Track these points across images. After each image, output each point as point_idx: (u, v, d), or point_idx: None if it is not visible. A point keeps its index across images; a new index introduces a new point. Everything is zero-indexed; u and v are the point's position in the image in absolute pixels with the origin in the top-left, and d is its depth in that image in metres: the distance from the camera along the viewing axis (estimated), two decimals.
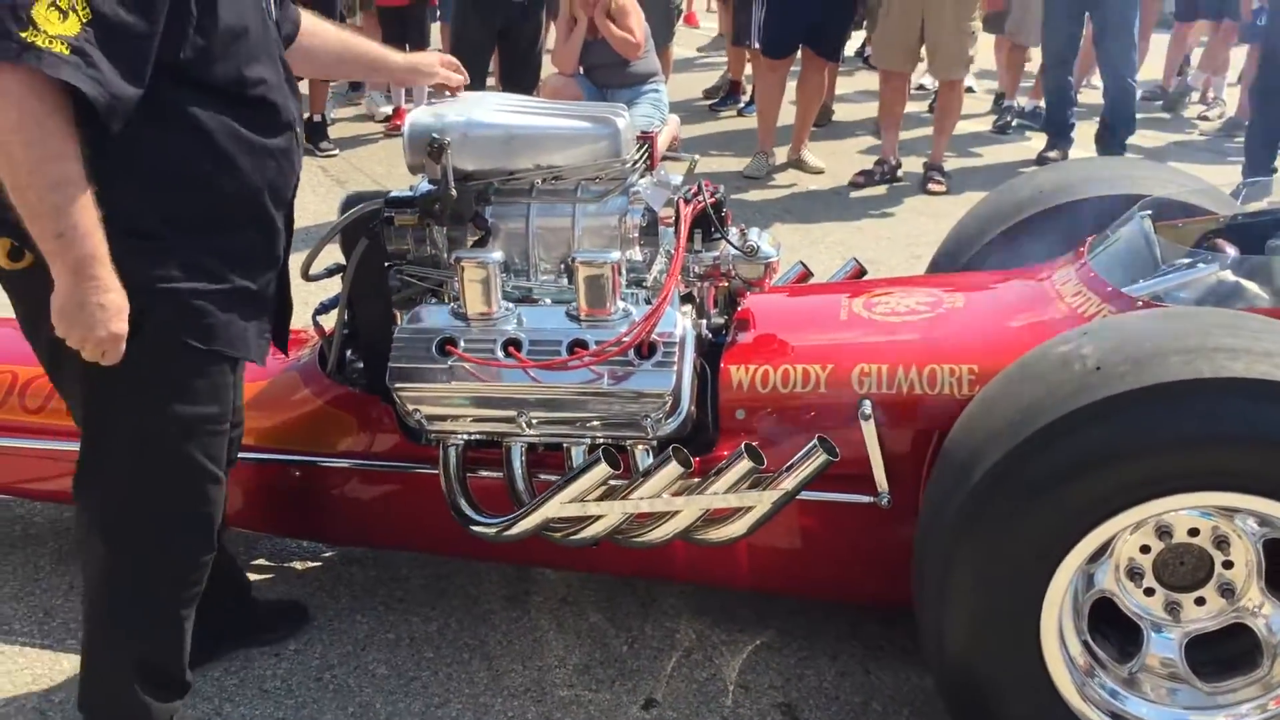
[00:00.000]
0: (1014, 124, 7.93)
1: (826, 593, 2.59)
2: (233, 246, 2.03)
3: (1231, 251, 2.47)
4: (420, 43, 7.57)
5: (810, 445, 2.21)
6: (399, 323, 2.45)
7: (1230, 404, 1.85)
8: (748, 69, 8.22)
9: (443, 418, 2.37)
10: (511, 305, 2.37)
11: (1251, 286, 2.37)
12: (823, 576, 2.50)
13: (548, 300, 2.43)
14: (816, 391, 2.38)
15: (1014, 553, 2.00)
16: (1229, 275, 2.38)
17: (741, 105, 8.31)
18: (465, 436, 2.41)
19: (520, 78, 6.02)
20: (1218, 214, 2.75)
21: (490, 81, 6.46)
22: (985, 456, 1.99)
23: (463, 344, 2.31)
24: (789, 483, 2.22)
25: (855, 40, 8.53)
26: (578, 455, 2.37)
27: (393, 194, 2.49)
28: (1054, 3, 6.75)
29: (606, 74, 6.21)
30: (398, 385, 2.33)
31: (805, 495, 2.26)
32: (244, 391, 2.42)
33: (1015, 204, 3.03)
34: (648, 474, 2.26)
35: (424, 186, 2.45)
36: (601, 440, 2.36)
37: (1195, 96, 8.95)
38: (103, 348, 1.86)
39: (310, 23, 2.44)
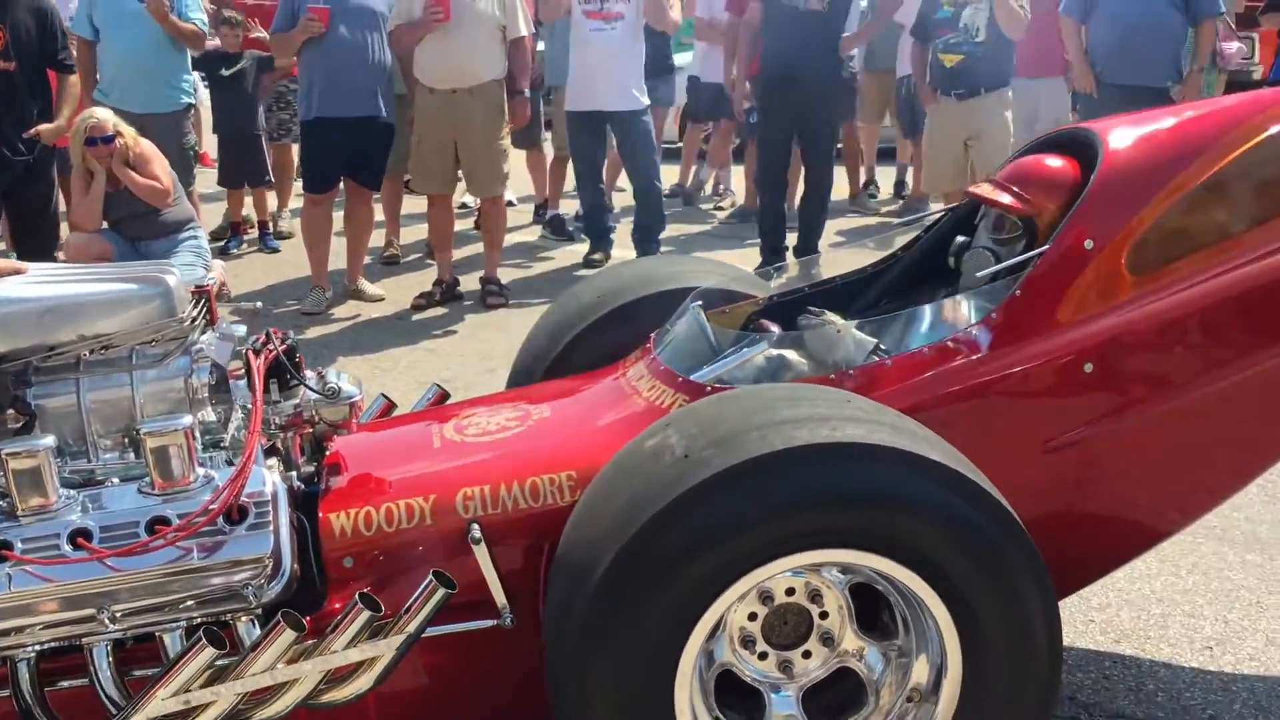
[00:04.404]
0: (552, 233, 8.34)
1: None
2: None
3: (775, 329, 2.73)
4: None
5: (427, 581, 2.16)
6: None
7: (801, 469, 2.03)
8: (247, 206, 8.29)
9: (5, 632, 2.09)
10: (73, 492, 2.16)
11: (795, 358, 2.63)
12: (463, 710, 2.43)
13: (115, 480, 2.23)
14: (423, 524, 2.34)
15: (637, 645, 2.05)
16: (774, 351, 2.63)
17: (242, 243, 8.21)
18: (36, 648, 2.13)
19: (36, 240, 5.54)
20: (757, 296, 3.04)
21: (1, 247, 5.88)
22: (596, 559, 2.04)
23: (19, 545, 2.06)
24: (411, 625, 2.15)
25: None
26: (173, 642, 2.17)
27: None
28: (575, 117, 7.24)
29: (137, 225, 5.81)
30: None
31: (430, 631, 2.21)
32: None
33: (579, 310, 3.17)
34: (257, 646, 2.10)
35: None
36: (200, 620, 2.17)
37: (708, 190, 9.93)
38: None
39: None
